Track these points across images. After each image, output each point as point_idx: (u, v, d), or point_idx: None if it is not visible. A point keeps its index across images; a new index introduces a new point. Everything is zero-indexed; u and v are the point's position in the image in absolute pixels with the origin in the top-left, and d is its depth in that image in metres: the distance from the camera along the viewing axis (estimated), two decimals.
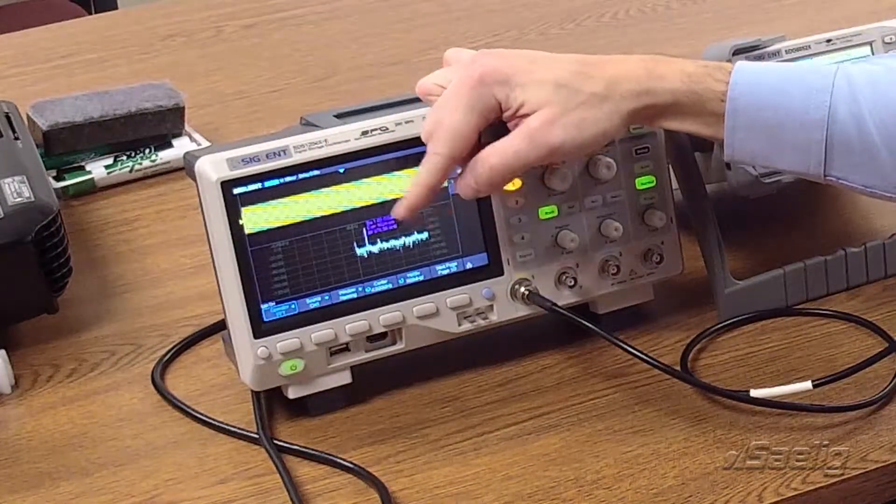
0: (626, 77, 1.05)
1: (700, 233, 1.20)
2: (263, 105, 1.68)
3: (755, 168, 1.24)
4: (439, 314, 1.12)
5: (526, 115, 1.04)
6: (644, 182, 1.17)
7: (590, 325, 1.13)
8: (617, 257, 1.16)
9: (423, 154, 1.06)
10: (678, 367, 1.14)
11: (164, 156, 1.52)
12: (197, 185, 1.07)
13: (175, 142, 1.54)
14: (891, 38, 1.28)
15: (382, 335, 1.12)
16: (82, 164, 1.51)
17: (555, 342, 1.18)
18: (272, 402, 1.13)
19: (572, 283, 1.15)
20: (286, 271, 1.08)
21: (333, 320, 1.09)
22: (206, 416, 1.12)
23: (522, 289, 1.13)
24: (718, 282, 1.20)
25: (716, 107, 1.05)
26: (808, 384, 1.09)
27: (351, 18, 1.92)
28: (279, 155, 1.07)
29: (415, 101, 1.12)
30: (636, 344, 1.13)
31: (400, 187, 1.09)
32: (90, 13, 2.86)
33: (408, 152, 1.10)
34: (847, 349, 1.17)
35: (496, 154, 1.04)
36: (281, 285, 1.08)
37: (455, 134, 1.04)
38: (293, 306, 1.09)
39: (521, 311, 1.14)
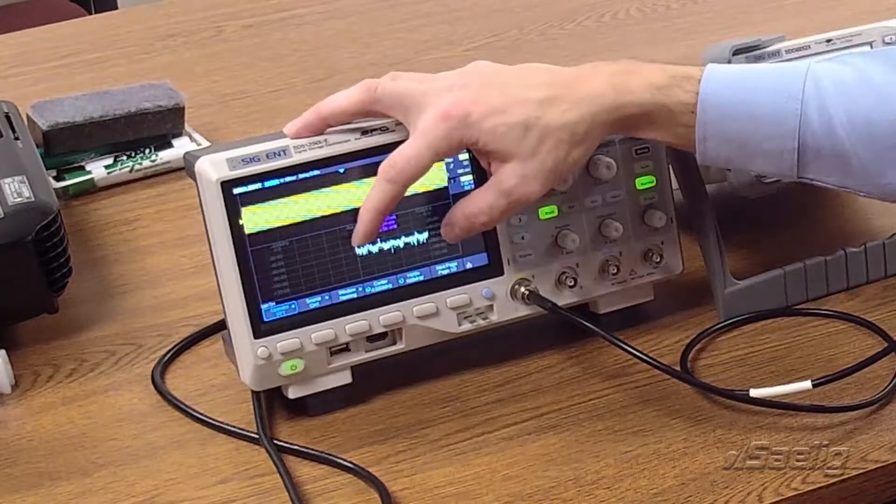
0: (595, 95, 1.05)
1: (700, 233, 1.20)
2: (263, 105, 1.68)
3: None
4: (439, 314, 1.12)
5: (498, 160, 1.05)
6: (644, 182, 1.17)
7: (590, 325, 1.13)
8: (617, 257, 1.16)
9: None
10: (678, 367, 1.14)
11: (164, 156, 1.52)
12: (197, 185, 1.07)
13: (175, 142, 1.54)
14: (891, 38, 1.28)
15: (382, 335, 1.12)
16: (82, 164, 1.51)
17: (555, 342, 1.18)
18: (272, 402, 1.13)
19: (572, 283, 1.15)
20: (286, 271, 1.08)
21: (333, 320, 1.09)
22: (206, 416, 1.12)
23: (522, 289, 1.13)
24: (718, 282, 1.20)
25: (686, 119, 1.06)
26: (807, 384, 1.09)
27: (351, 18, 1.92)
28: (279, 155, 1.07)
29: None
30: (636, 344, 1.13)
31: None
32: (90, 13, 2.86)
33: None
34: (847, 349, 1.17)
35: (482, 213, 1.06)
36: (281, 285, 1.08)
37: (413, 168, 1.04)
38: (293, 306, 1.09)
39: (521, 311, 1.14)
